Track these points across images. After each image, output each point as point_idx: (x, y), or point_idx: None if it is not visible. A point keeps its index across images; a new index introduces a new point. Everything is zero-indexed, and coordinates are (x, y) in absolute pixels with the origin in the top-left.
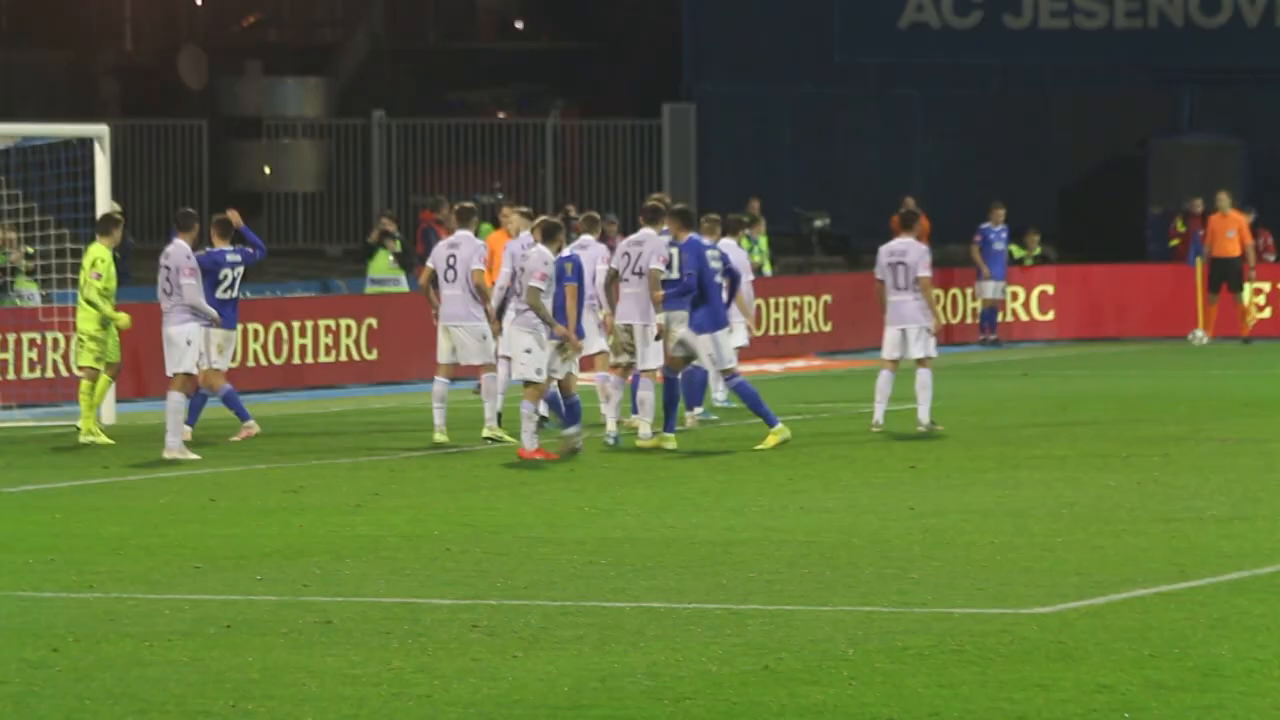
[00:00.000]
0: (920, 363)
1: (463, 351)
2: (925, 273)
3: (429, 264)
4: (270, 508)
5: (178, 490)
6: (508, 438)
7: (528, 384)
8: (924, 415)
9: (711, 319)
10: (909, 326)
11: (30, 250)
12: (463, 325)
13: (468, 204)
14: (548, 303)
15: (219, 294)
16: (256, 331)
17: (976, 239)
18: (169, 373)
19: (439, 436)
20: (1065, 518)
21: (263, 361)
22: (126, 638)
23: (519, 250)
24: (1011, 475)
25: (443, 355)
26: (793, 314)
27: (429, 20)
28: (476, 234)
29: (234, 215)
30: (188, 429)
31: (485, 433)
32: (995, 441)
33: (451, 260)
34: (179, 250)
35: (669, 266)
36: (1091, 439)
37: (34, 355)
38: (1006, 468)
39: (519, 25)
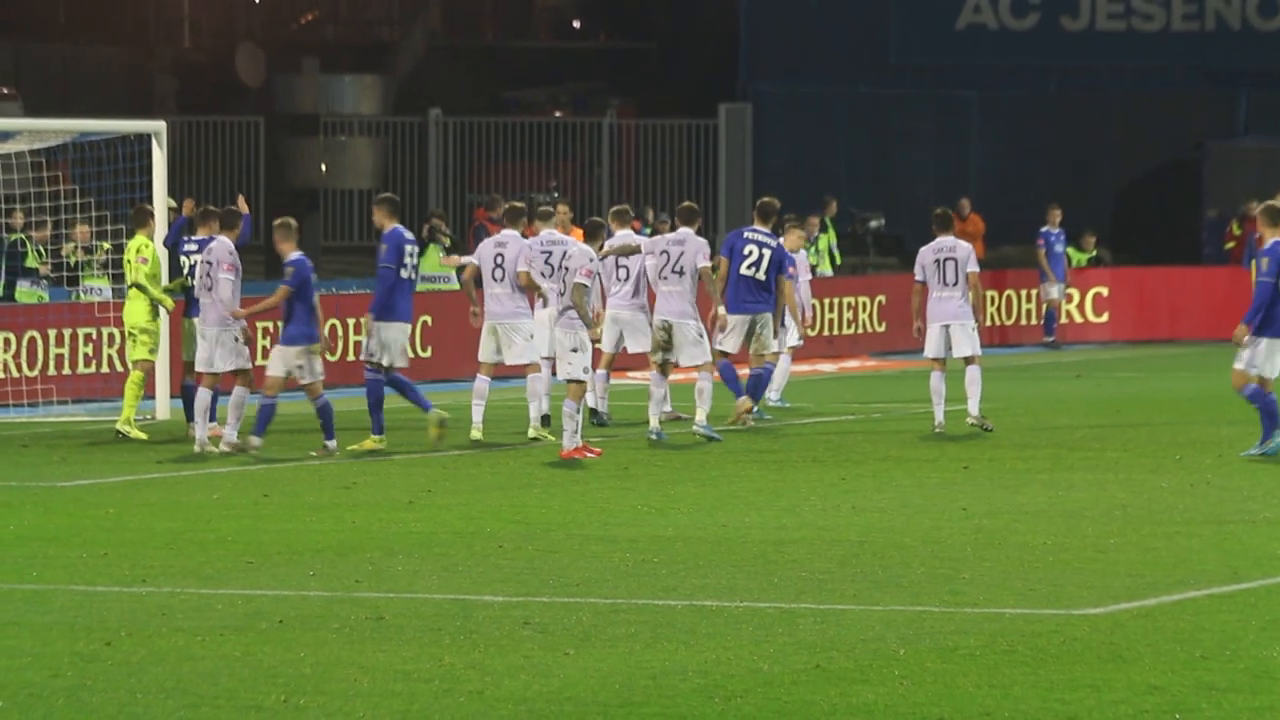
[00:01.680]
0: (968, 360)
1: (508, 351)
2: (975, 268)
3: (474, 260)
4: (323, 503)
5: (231, 485)
6: (550, 438)
7: (572, 383)
8: (974, 408)
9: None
10: (952, 323)
11: (107, 246)
12: (509, 323)
13: (517, 203)
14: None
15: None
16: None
17: (1040, 243)
18: (215, 369)
19: (476, 434)
20: (1118, 519)
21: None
22: (179, 632)
23: (537, 246)
24: (1064, 476)
25: (486, 354)
26: (847, 314)
27: (486, 18)
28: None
29: (241, 202)
30: (214, 425)
31: (530, 433)
32: (1048, 443)
33: (499, 259)
34: (221, 246)
35: (756, 267)
36: (1144, 441)
37: (89, 350)
38: (1059, 469)
39: (576, 24)
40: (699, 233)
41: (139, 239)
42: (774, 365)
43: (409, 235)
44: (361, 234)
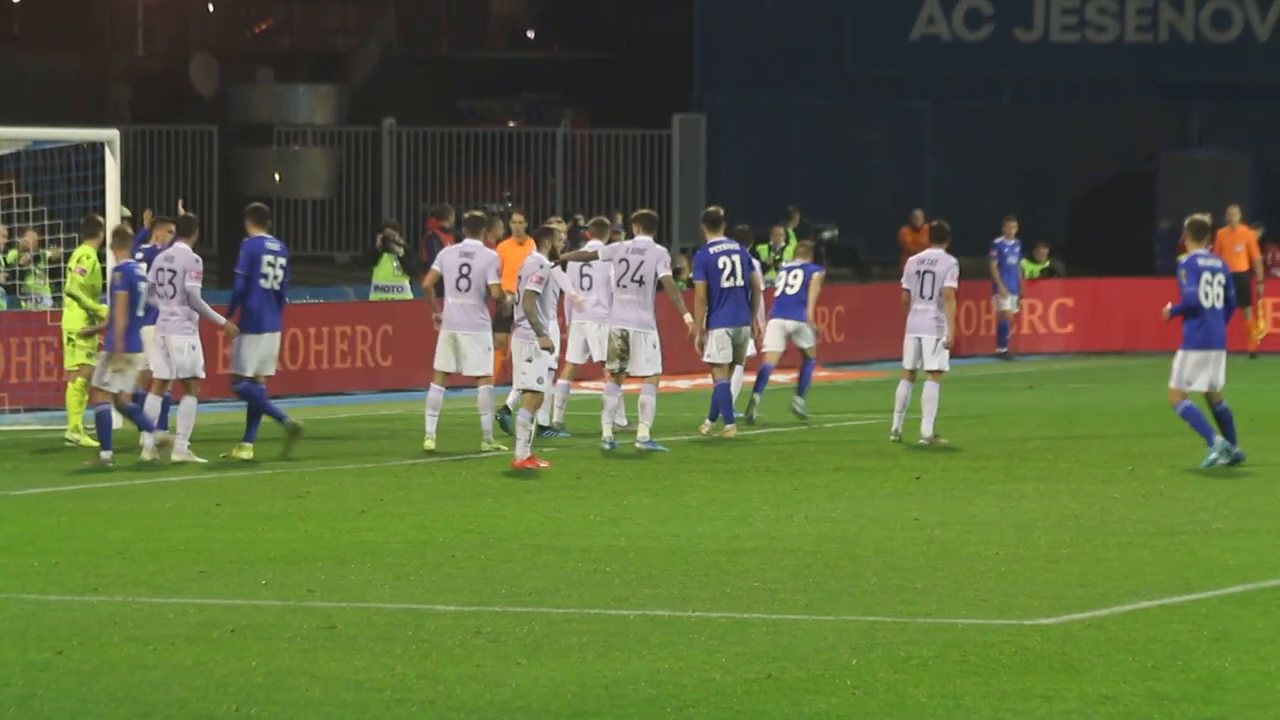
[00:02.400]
0: (932, 374)
1: (465, 362)
2: (952, 284)
3: (435, 268)
4: (275, 513)
5: (183, 495)
6: (504, 448)
7: (526, 393)
8: (927, 429)
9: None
10: (925, 337)
11: (50, 254)
12: (470, 334)
13: (478, 213)
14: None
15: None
16: None
17: (993, 254)
18: (165, 377)
19: (429, 444)
20: (1070, 529)
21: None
22: (131, 641)
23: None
24: (1017, 487)
25: (442, 363)
26: None
27: (441, 28)
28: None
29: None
30: (161, 433)
31: (484, 446)
32: (1001, 454)
33: (465, 269)
34: (184, 254)
35: (734, 276)
36: (1097, 452)
37: (49, 359)
38: (1012, 480)
39: (531, 35)
40: (658, 241)
41: (84, 248)
42: (772, 365)
43: (273, 245)
44: (316, 244)
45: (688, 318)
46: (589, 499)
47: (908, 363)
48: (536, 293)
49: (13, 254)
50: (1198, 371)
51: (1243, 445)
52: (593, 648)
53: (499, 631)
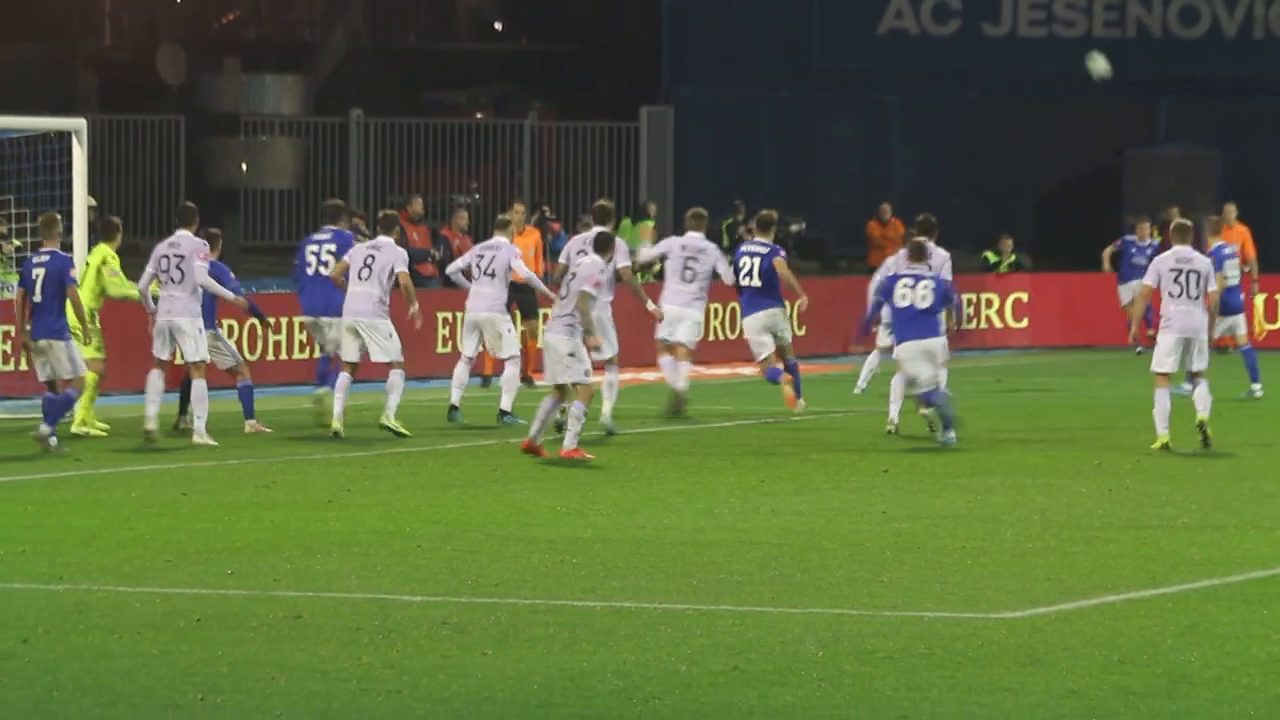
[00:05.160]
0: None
1: (373, 349)
2: (947, 276)
3: (345, 259)
4: (242, 503)
5: (149, 484)
6: (405, 431)
7: (578, 385)
8: (893, 412)
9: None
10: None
11: (18, 243)
12: (368, 322)
13: (391, 211)
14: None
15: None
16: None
17: (1116, 245)
18: (173, 360)
19: (336, 425)
20: (1036, 523)
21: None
22: (96, 630)
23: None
24: (983, 481)
25: (348, 353)
26: None
27: (408, 19)
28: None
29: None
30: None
31: (384, 420)
32: (967, 448)
33: (369, 260)
34: (189, 239)
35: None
36: (1063, 446)
37: (7, 348)
38: (978, 473)
39: (498, 26)
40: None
41: (105, 248)
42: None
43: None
44: (282, 234)
45: (651, 306)
46: (554, 490)
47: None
48: (593, 295)
49: None
50: (911, 363)
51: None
52: (559, 639)
53: (465, 622)
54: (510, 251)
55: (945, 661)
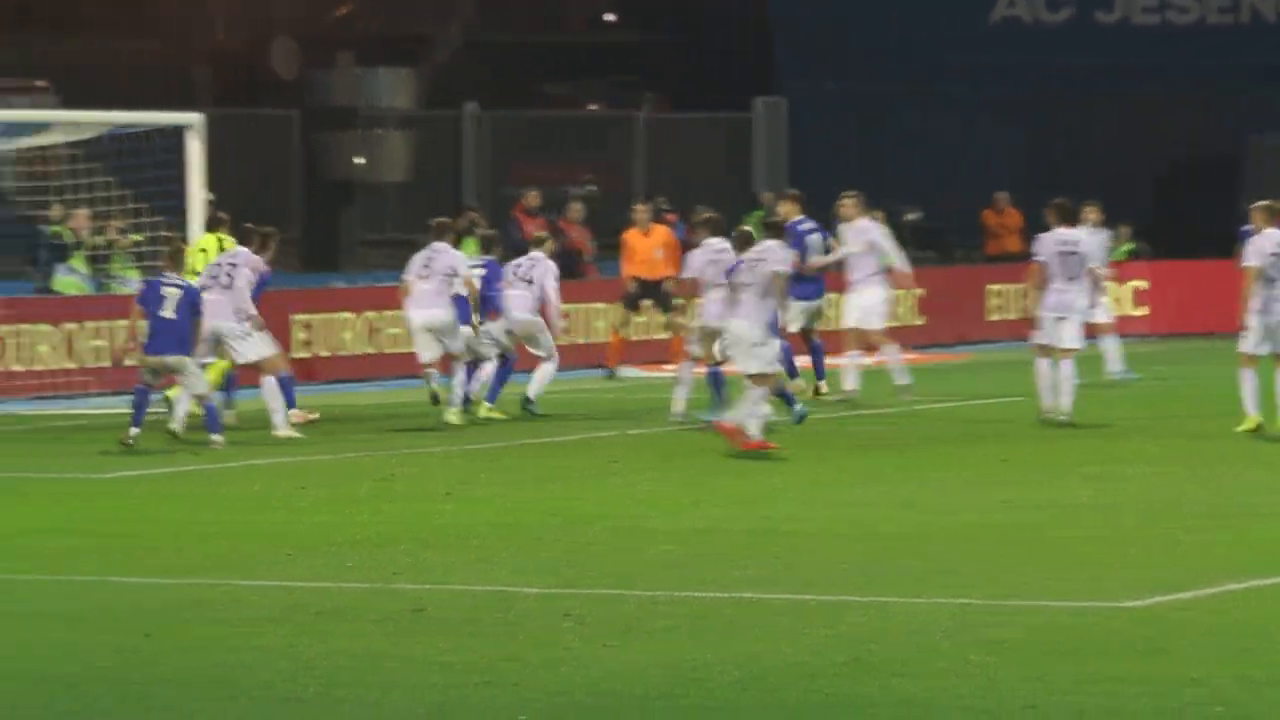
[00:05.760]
0: (1065, 353)
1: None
2: (1094, 263)
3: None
4: (361, 495)
5: (269, 478)
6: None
7: (758, 375)
8: (1067, 404)
9: None
10: (1067, 315)
11: (137, 237)
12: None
13: (444, 219)
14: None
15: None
16: (348, 320)
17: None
18: (243, 360)
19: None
20: (1157, 512)
21: (355, 350)
22: (218, 623)
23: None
24: (1103, 470)
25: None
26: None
27: (521, 12)
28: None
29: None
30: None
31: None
32: (1090, 436)
33: (429, 261)
34: (248, 254)
35: None
36: (1184, 435)
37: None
38: (1098, 462)
39: (611, 18)
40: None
41: (209, 239)
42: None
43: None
44: (396, 227)
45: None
46: (673, 481)
47: (1043, 338)
48: (787, 274)
49: (101, 238)
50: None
51: None
52: (680, 630)
53: (586, 614)
54: (546, 267)
55: (1068, 651)
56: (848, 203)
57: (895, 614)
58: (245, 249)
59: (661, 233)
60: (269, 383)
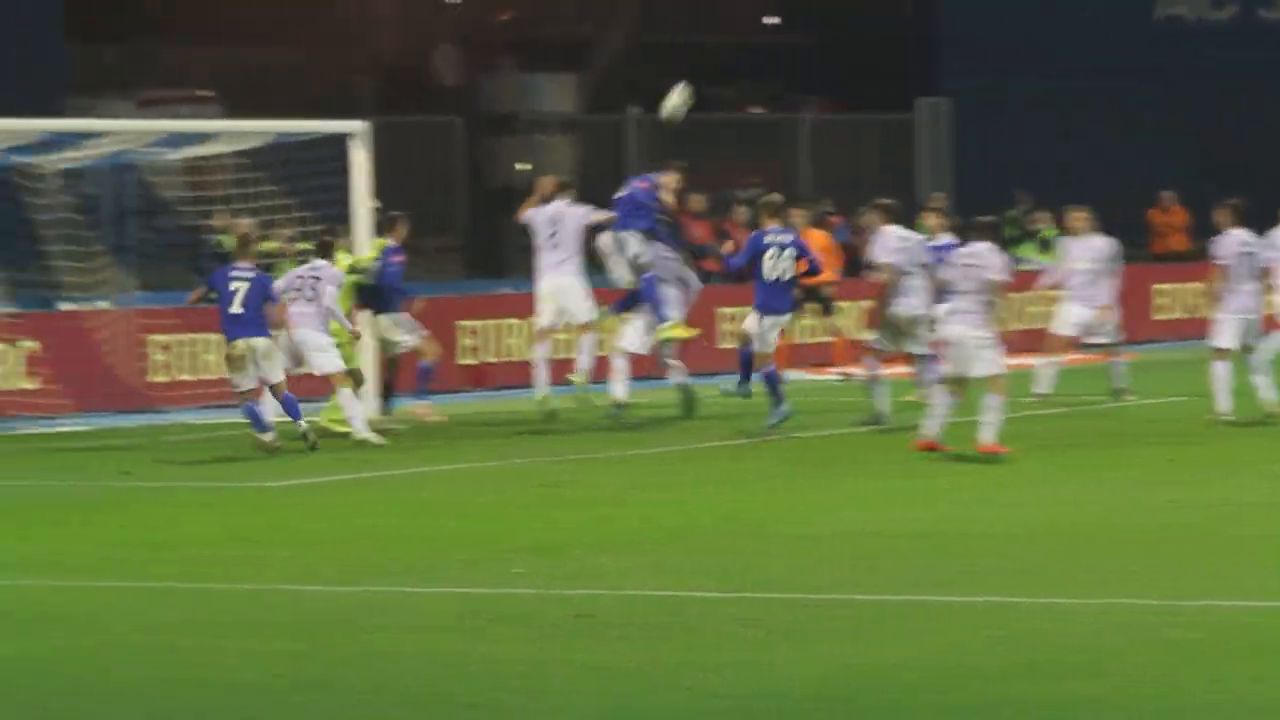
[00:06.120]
0: (1246, 349)
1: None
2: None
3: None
4: (530, 501)
5: (439, 485)
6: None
7: (993, 378)
8: (1272, 395)
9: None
10: (1251, 316)
11: (304, 246)
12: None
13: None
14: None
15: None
16: (513, 326)
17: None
18: (320, 372)
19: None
20: None
21: (521, 357)
22: (388, 630)
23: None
24: (1271, 469)
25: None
26: (1046, 307)
27: (682, 16)
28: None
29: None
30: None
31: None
32: (1256, 435)
33: (554, 233)
34: (329, 269)
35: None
36: None
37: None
38: (1264, 461)
39: (774, 20)
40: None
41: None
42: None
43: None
44: None
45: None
46: (843, 484)
47: (1230, 342)
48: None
49: (271, 244)
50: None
51: None
52: (853, 633)
53: (759, 617)
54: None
55: (1246, 651)
56: (1079, 216)
57: (1067, 615)
58: (325, 262)
59: (819, 237)
60: (345, 394)
